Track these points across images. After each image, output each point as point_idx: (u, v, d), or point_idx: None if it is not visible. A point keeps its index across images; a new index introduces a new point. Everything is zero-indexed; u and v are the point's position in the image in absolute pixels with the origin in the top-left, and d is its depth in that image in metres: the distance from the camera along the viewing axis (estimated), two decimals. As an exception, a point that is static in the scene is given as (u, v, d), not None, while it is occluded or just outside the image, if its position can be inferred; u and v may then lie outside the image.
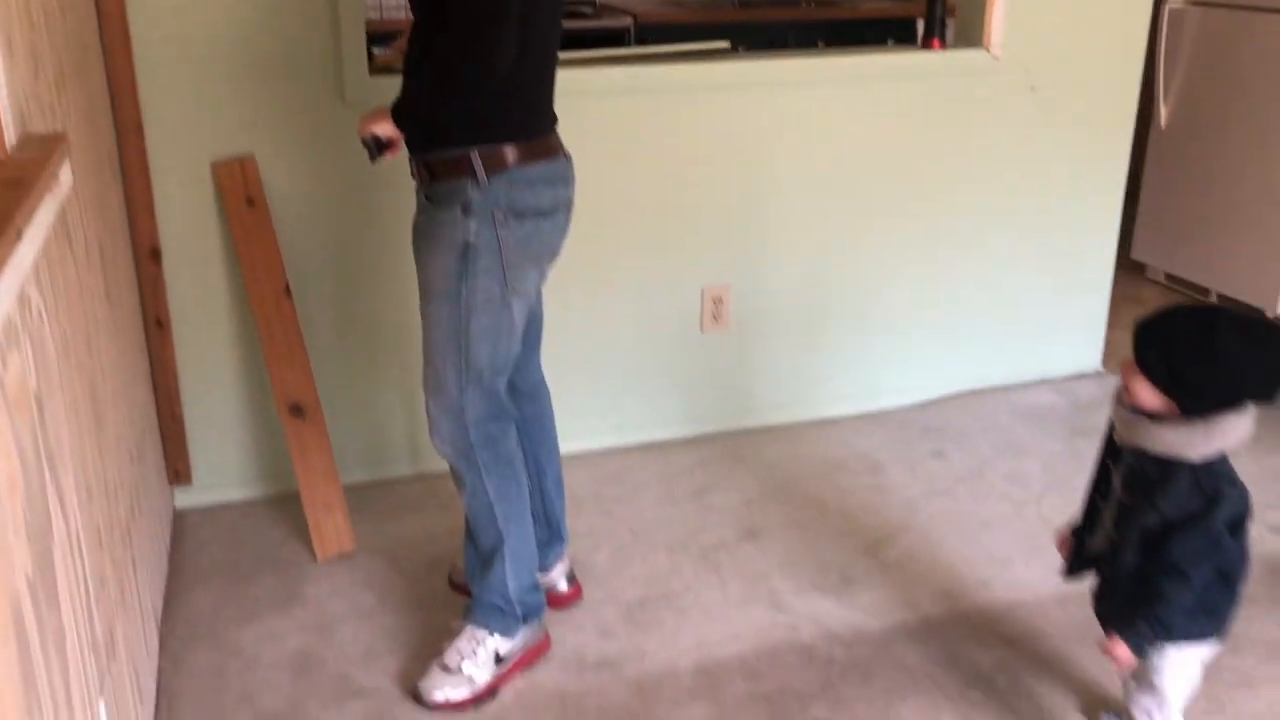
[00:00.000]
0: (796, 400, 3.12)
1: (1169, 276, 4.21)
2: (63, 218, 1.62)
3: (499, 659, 2.11)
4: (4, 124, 1.32)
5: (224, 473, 2.74)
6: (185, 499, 2.73)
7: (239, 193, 2.51)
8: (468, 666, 2.08)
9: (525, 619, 2.14)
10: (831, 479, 2.84)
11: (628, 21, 4.71)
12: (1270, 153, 3.68)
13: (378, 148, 1.97)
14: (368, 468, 2.82)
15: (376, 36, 2.79)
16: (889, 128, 2.96)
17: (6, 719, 1.08)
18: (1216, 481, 1.70)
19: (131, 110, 2.40)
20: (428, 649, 2.18)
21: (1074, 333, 3.35)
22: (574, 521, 2.61)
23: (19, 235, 1.09)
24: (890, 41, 4.40)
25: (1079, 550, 1.91)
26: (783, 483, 2.83)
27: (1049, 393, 3.28)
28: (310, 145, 2.54)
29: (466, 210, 1.91)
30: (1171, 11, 3.93)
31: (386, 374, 2.77)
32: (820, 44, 4.61)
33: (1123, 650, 1.74)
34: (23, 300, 1.30)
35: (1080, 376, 3.36)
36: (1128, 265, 4.33)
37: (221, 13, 2.40)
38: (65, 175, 1.42)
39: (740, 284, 2.98)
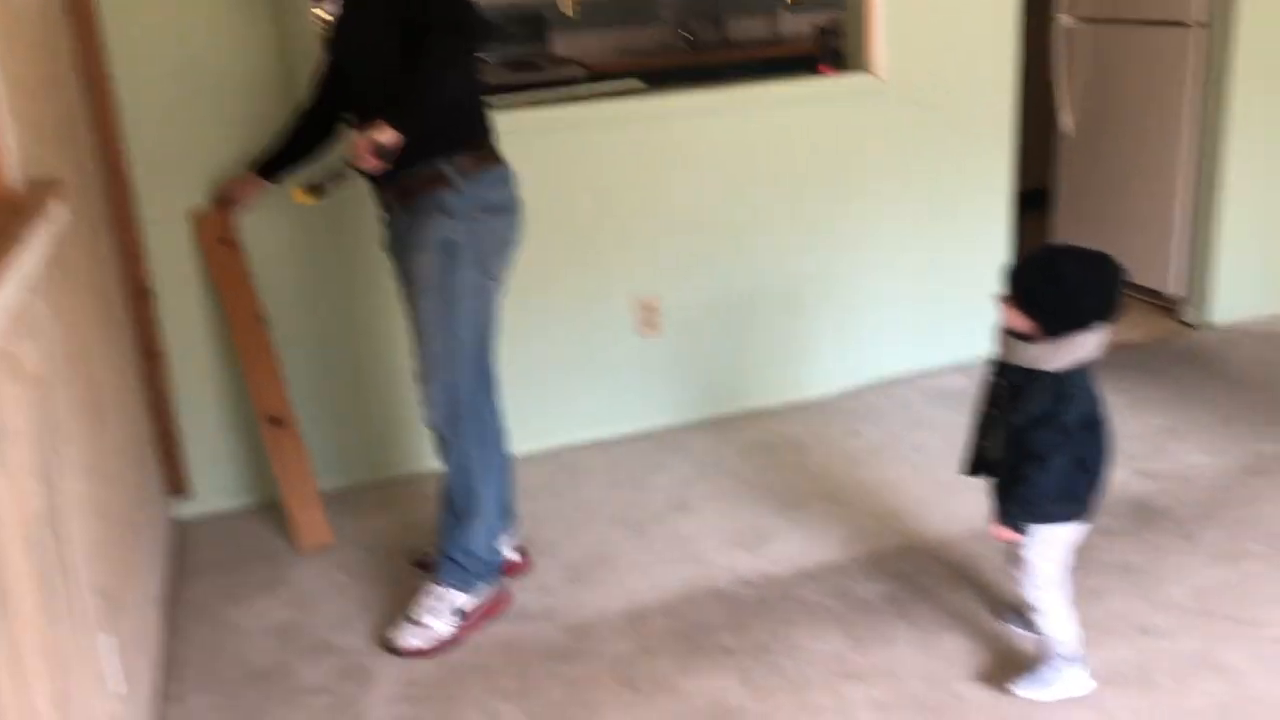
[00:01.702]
0: (727, 396, 3.48)
1: (1087, 271, 4.56)
2: (62, 249, 2.00)
3: (459, 612, 2.45)
4: (11, 169, 1.71)
5: (217, 485, 3.10)
6: (184, 510, 3.09)
7: (212, 234, 2.88)
8: (430, 620, 2.43)
9: (485, 577, 2.48)
10: (757, 459, 3.19)
11: (579, 72, 5.13)
12: (1160, 153, 4.04)
13: (384, 154, 2.18)
14: (344, 474, 3.18)
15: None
16: (792, 146, 3.34)
17: (29, 612, 1.43)
18: (1069, 386, 2.03)
19: (118, 167, 2.80)
20: (395, 614, 2.52)
21: (979, 322, 3.68)
22: (527, 505, 2.96)
23: (23, 245, 1.46)
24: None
25: (977, 454, 2.24)
26: (714, 465, 3.18)
27: (958, 377, 3.63)
28: (277, 190, 2.92)
29: (447, 213, 2.28)
30: (1065, 29, 4.32)
31: (359, 391, 3.14)
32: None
33: (999, 529, 2.09)
34: (31, 308, 1.68)
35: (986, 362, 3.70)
36: (1050, 263, 4.68)
37: (194, 83, 2.80)
38: (62, 210, 1.80)
39: (669, 293, 3.35)
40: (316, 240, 3.00)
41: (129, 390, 2.67)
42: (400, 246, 2.37)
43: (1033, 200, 4.91)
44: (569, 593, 2.61)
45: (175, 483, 3.06)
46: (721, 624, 2.44)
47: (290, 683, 2.35)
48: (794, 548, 2.73)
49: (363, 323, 3.07)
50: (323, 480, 3.02)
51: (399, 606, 2.55)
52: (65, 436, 1.81)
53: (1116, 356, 3.73)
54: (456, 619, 2.44)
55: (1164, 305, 4.17)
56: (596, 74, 5.01)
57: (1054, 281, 2.01)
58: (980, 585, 2.52)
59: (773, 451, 3.24)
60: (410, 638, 2.42)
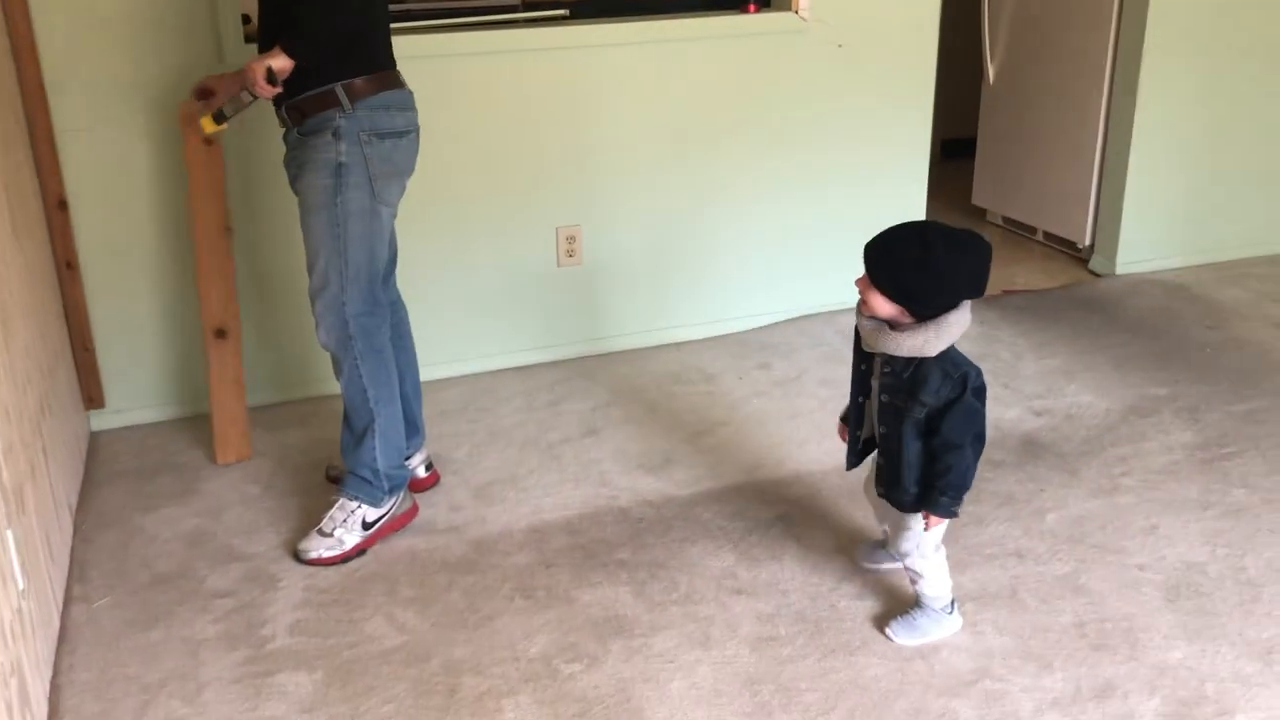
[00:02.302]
0: (645, 327, 3.55)
1: (1005, 219, 4.68)
2: (-34, 151, 2.01)
3: (366, 525, 2.52)
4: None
5: (133, 398, 3.12)
6: (100, 422, 3.12)
7: (199, 133, 2.80)
8: (339, 531, 2.50)
9: (391, 491, 2.55)
10: (669, 389, 3.28)
11: (515, 0, 5.10)
12: (1077, 105, 4.15)
13: (274, 81, 2.27)
14: (264, 390, 3.21)
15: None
16: (715, 82, 3.39)
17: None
18: (959, 366, 2.00)
19: (34, 77, 2.78)
20: (304, 526, 2.58)
21: (895, 263, 3.80)
22: (441, 428, 3.03)
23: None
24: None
25: (852, 445, 2.26)
26: (626, 393, 3.26)
27: (872, 315, 3.73)
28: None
29: (336, 135, 2.33)
30: (992, -21, 4.40)
31: (287, 311, 3.16)
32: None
33: (934, 520, 2.06)
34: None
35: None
36: (970, 210, 4.81)
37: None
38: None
39: (591, 225, 3.40)
40: (239, 164, 3.00)
41: (43, 300, 2.68)
42: (294, 165, 2.41)
43: (964, 148, 5.02)
44: (475, 509, 2.68)
45: (90, 394, 3.08)
46: (621, 541, 2.53)
47: (196, 586, 2.40)
48: (697, 472, 2.82)
49: (296, 240, 3.07)
50: (248, 396, 3.04)
51: (308, 518, 2.62)
52: (-34, 335, 1.83)
53: (1022, 301, 3.87)
54: (363, 531, 2.52)
55: (1079, 255, 4.30)
56: (531, 4, 4.99)
57: (926, 266, 1.94)
58: (870, 511, 2.63)
59: (684, 381, 3.33)
60: (318, 548, 2.49)
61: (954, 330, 1.98)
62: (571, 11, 3.38)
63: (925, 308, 1.98)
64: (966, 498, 2.09)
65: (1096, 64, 4.03)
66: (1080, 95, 4.12)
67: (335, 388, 3.18)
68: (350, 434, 2.54)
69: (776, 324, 3.69)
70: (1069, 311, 3.80)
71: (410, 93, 2.43)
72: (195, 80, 2.86)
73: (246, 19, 2.96)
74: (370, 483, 2.53)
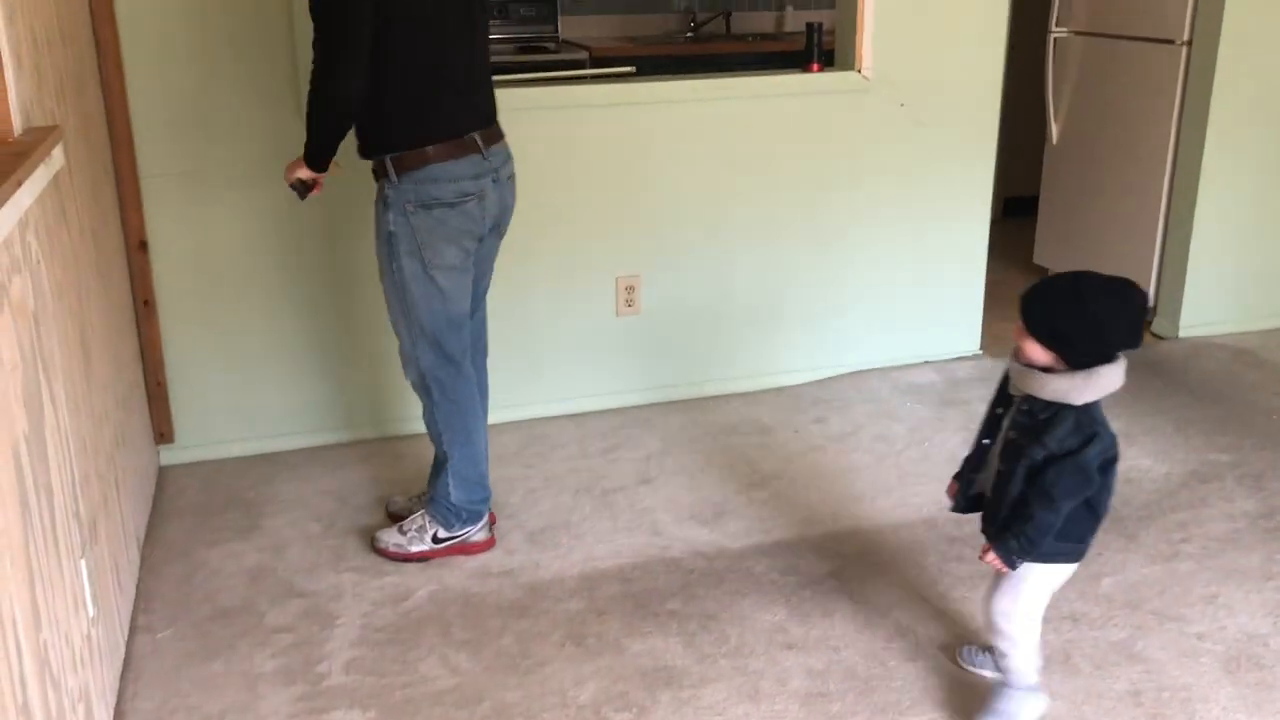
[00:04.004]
0: (701, 378, 3.58)
1: (1067, 279, 4.65)
2: (58, 194, 2.11)
3: (436, 540, 2.67)
4: (13, 116, 1.81)
5: (201, 435, 3.21)
6: (169, 457, 3.20)
7: None
8: (412, 534, 2.68)
9: (467, 520, 2.67)
10: (723, 439, 3.30)
11: (584, 55, 5.23)
12: (1141, 165, 4.14)
13: (303, 189, 2.50)
14: (339, 429, 3.29)
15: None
16: (777, 140, 3.44)
17: (9, 524, 1.54)
18: (1094, 424, 1.96)
19: (124, 127, 2.90)
20: (363, 565, 2.64)
21: (954, 321, 3.81)
22: (497, 473, 3.07)
23: (18, 184, 1.56)
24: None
25: (965, 489, 2.19)
26: (681, 443, 3.29)
27: (930, 372, 3.73)
28: (273, 157, 3.01)
29: (385, 205, 2.42)
30: (1056, 40, 4.41)
31: (361, 349, 3.25)
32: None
33: (992, 557, 2.01)
34: (25, 244, 1.78)
35: (959, 359, 3.81)
36: (1031, 269, 4.78)
37: (198, 49, 2.91)
38: (58, 154, 1.90)
39: (650, 275, 3.45)
40: (317, 218, 3.10)
41: (120, 336, 2.77)
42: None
43: (1027, 206, 5.01)
44: (529, 554, 2.72)
45: (161, 429, 3.17)
46: (672, 592, 2.55)
47: (256, 621, 2.46)
48: (750, 524, 2.83)
49: (370, 290, 3.18)
50: (313, 436, 3.16)
51: (367, 557, 2.68)
52: (53, 372, 1.91)
53: (1082, 362, 3.83)
54: (432, 544, 2.67)
55: (1137, 316, 4.26)
56: (600, 60, 5.11)
57: (1081, 313, 1.93)
58: (924, 569, 2.63)
59: (739, 433, 3.35)
60: (389, 540, 2.69)
61: (1104, 383, 1.95)
62: (638, 69, 3.46)
63: (1079, 355, 1.95)
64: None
65: (1161, 125, 4.02)
66: (1144, 156, 4.11)
67: (403, 428, 3.30)
68: (435, 462, 2.68)
69: (832, 378, 3.70)
70: (1130, 373, 3.72)
71: (476, 158, 2.43)
72: (271, 130, 2.99)
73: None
74: (445, 509, 2.65)
